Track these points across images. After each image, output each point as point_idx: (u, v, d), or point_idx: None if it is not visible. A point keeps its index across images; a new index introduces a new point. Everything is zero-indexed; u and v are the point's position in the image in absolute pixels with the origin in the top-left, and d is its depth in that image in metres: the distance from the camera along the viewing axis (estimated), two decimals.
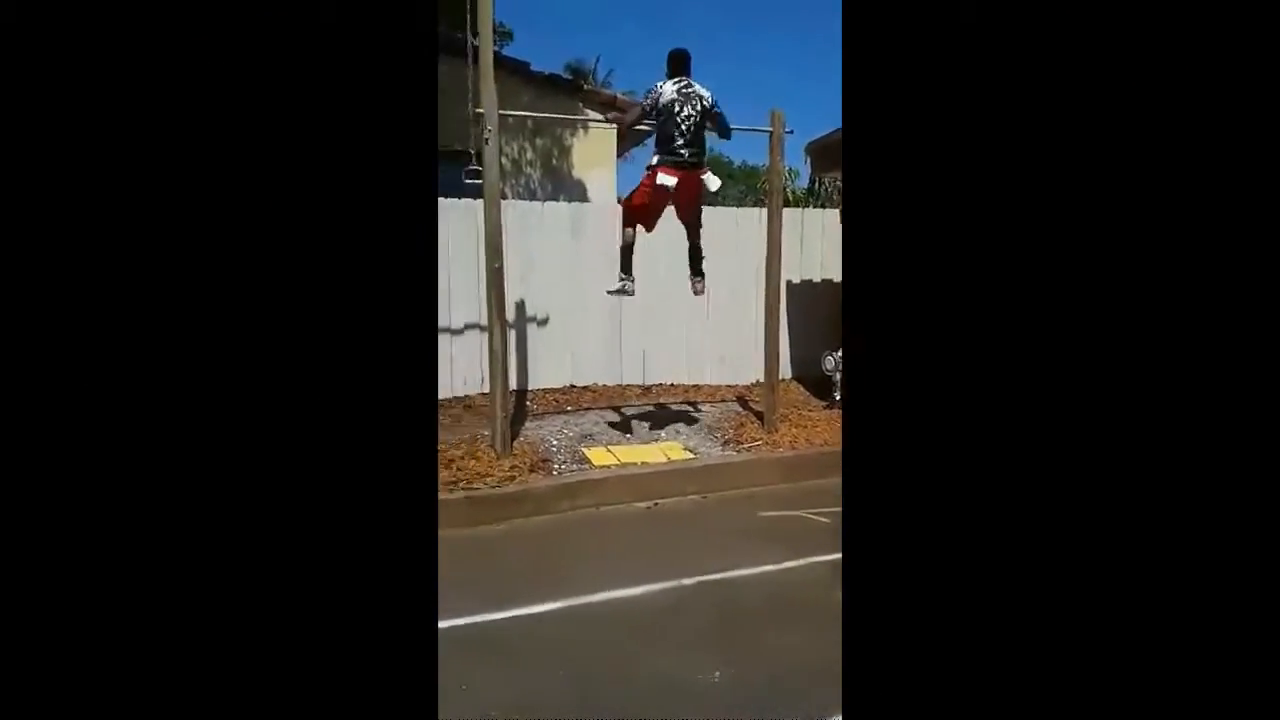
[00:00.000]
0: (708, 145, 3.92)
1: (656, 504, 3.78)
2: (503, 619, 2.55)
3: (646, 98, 3.71)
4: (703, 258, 4.12)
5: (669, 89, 3.64)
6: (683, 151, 3.61)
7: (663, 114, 3.62)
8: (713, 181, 3.76)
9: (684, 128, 3.60)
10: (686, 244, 4.10)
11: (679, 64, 3.73)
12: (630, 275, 4.01)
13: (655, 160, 3.68)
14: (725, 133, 3.96)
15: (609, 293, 4.13)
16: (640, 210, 3.83)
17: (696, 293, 4.17)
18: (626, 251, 3.98)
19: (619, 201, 6.56)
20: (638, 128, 4.26)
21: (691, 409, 5.27)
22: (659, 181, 3.60)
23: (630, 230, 3.94)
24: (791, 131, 4.40)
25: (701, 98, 3.67)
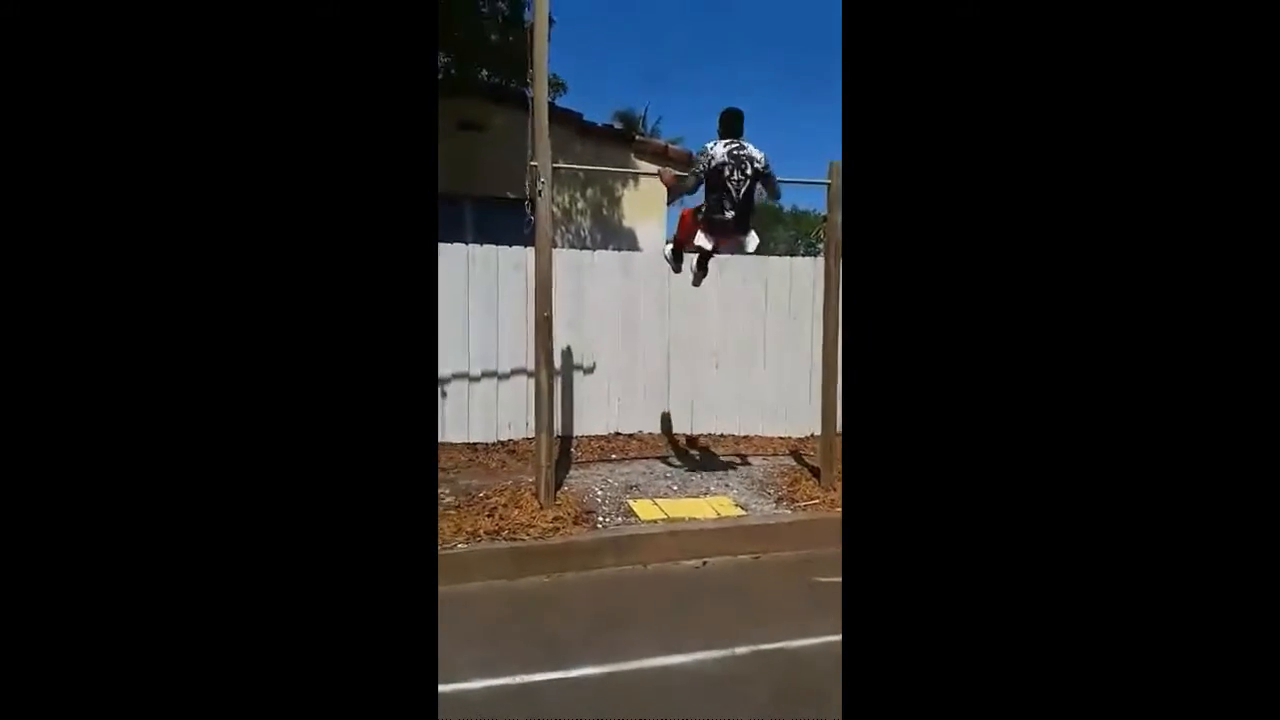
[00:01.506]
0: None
1: (706, 563, 3.60)
2: (546, 681, 2.41)
3: (698, 160, 3.62)
4: (706, 272, 4.18)
5: (720, 151, 3.53)
6: (728, 216, 3.56)
7: (711, 176, 3.54)
8: (751, 243, 3.73)
9: (733, 193, 3.53)
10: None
11: (731, 124, 3.62)
12: (679, 258, 4.07)
13: (700, 215, 3.65)
14: (776, 194, 4.01)
15: (664, 256, 4.19)
16: (683, 239, 3.92)
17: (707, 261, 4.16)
18: (678, 249, 4.04)
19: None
20: (684, 174, 4.25)
21: (741, 461, 5.09)
22: (697, 241, 3.63)
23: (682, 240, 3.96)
24: None
25: (753, 159, 3.56)
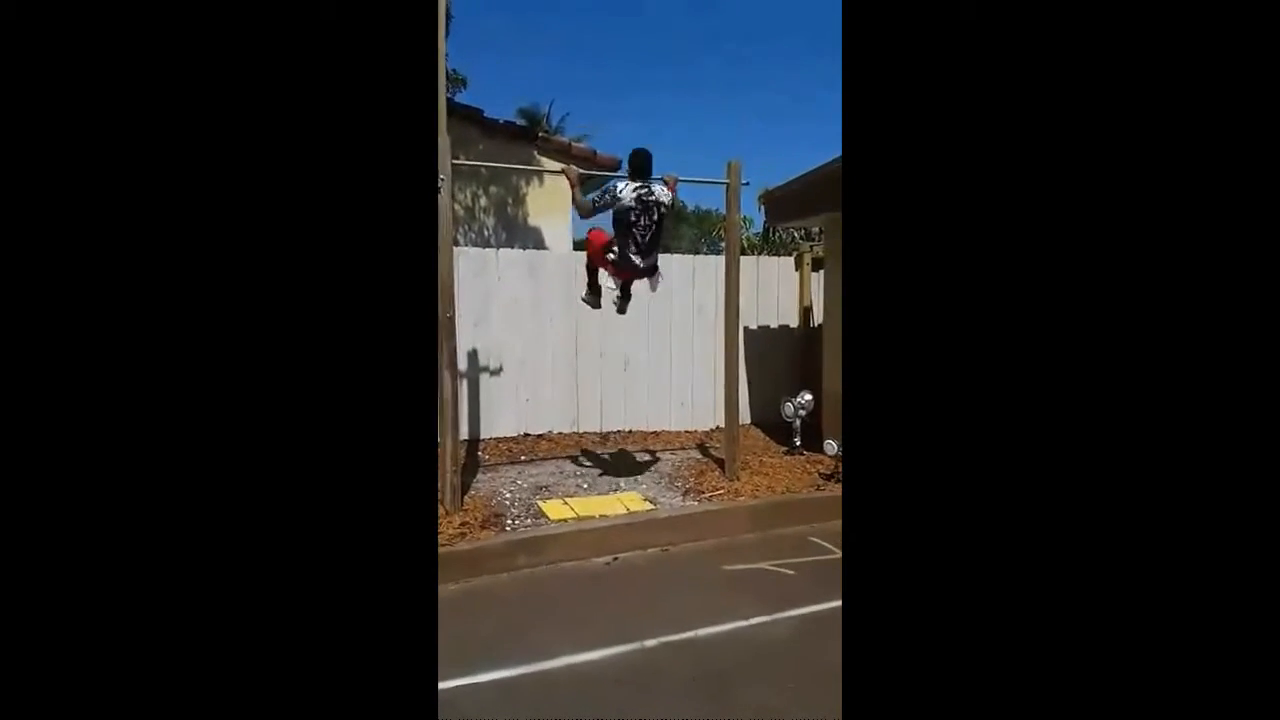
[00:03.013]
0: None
1: (616, 559, 3.63)
2: (456, 687, 2.36)
3: (604, 195, 3.65)
4: (629, 297, 4.12)
5: (628, 193, 3.55)
6: (635, 260, 3.63)
7: (618, 218, 3.59)
8: (658, 282, 3.85)
9: (640, 238, 3.58)
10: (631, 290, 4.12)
11: (639, 167, 3.66)
12: (595, 292, 4.03)
13: (611, 257, 3.69)
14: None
15: (582, 299, 4.16)
16: (595, 261, 3.96)
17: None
18: (591, 273, 4.02)
19: (575, 248, 6.54)
20: (589, 172, 4.42)
21: (650, 457, 5.16)
22: (601, 281, 3.76)
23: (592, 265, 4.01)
24: (748, 183, 4.47)
25: (660, 204, 3.63)
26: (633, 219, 3.54)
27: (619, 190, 3.58)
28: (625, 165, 3.81)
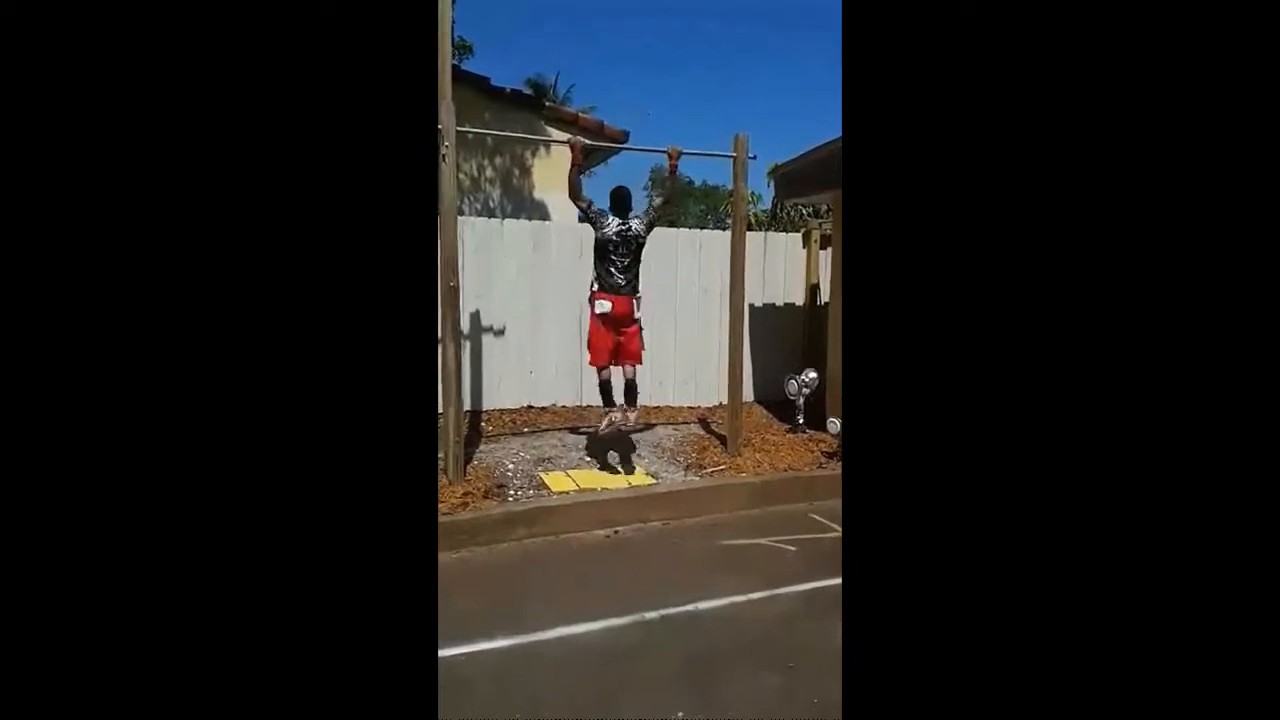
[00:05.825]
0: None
1: (617, 532, 3.64)
2: (452, 655, 2.38)
3: (595, 211, 4.05)
4: (638, 393, 4.31)
5: (612, 227, 4.02)
6: (619, 281, 4.03)
7: (599, 245, 4.04)
8: (640, 303, 4.14)
9: (619, 264, 4.03)
10: (625, 377, 4.21)
11: (619, 204, 4.10)
12: (613, 405, 4.20)
13: (595, 287, 4.07)
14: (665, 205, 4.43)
15: (603, 431, 4.24)
16: (598, 348, 4.12)
17: (621, 422, 4.24)
18: (604, 387, 4.20)
19: (580, 220, 6.48)
20: (595, 144, 4.54)
21: (652, 431, 5.16)
22: (597, 310, 4.03)
23: (604, 370, 4.16)
24: (755, 157, 4.41)
25: (637, 237, 4.07)
26: (611, 249, 4.03)
27: (606, 222, 4.04)
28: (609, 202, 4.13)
